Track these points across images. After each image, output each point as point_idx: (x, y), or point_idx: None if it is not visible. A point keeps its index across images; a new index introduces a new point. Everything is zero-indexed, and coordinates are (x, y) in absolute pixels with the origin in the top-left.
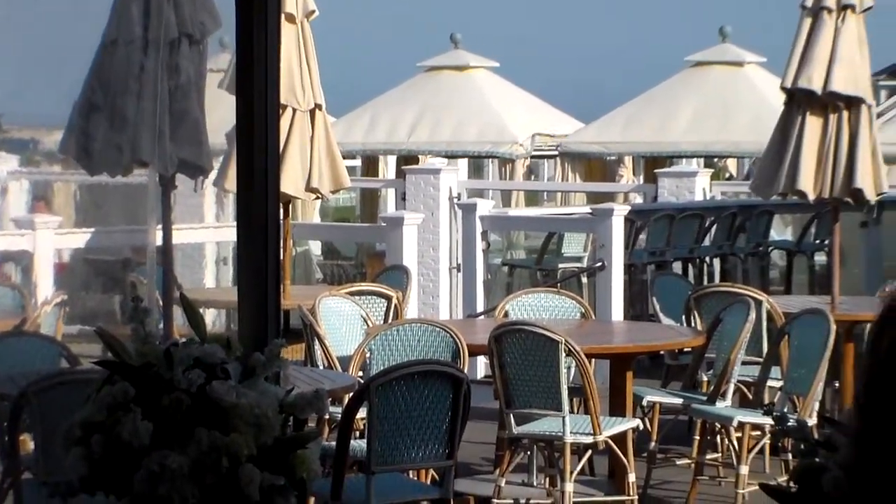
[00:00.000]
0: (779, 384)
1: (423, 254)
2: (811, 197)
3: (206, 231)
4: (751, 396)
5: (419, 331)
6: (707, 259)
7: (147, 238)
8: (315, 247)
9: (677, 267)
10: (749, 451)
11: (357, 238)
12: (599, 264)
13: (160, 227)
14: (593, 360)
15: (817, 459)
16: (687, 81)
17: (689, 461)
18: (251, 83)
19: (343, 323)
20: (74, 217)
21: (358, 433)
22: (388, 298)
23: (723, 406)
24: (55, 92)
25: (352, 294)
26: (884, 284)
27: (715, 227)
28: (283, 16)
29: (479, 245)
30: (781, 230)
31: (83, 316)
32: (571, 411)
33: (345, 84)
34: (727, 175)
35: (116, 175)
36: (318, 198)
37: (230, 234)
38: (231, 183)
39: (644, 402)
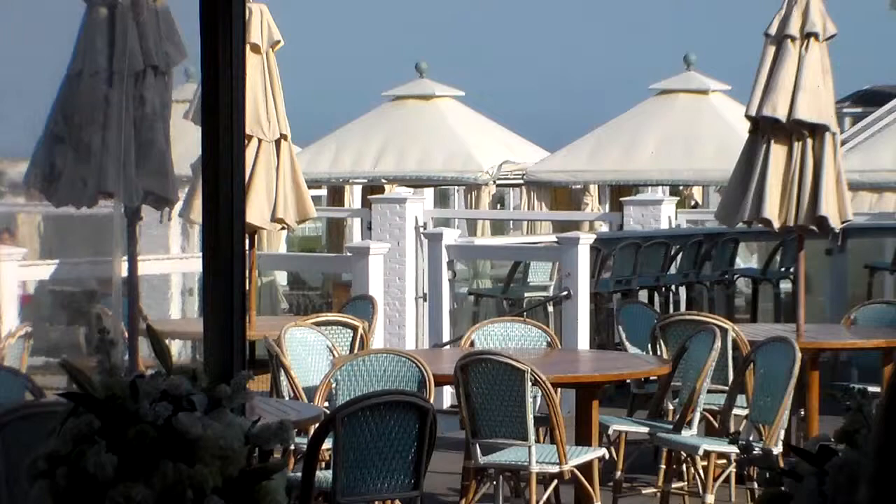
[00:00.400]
0: (744, 412)
1: (390, 283)
2: (776, 225)
3: (171, 262)
4: (717, 425)
5: (385, 361)
6: (673, 287)
7: (112, 269)
8: (281, 277)
9: (643, 295)
10: (715, 479)
11: (323, 268)
12: (565, 293)
13: (125, 258)
14: (559, 389)
15: (783, 488)
16: (652, 109)
17: (655, 490)
18: (217, 114)
19: (309, 353)
20: (39, 248)
21: (324, 464)
22: (354, 329)
23: (688, 435)
24: (19, 123)
25: (318, 324)
26: (848, 312)
27: (681, 255)
28: (248, 46)
29: (446, 274)
30: (747, 258)
31: (48, 348)
32: (537, 441)
33: (310, 113)
34: (693, 203)
35: (82, 206)
36: (283, 228)
37: (196, 265)
38: (197, 214)
39: (610, 431)
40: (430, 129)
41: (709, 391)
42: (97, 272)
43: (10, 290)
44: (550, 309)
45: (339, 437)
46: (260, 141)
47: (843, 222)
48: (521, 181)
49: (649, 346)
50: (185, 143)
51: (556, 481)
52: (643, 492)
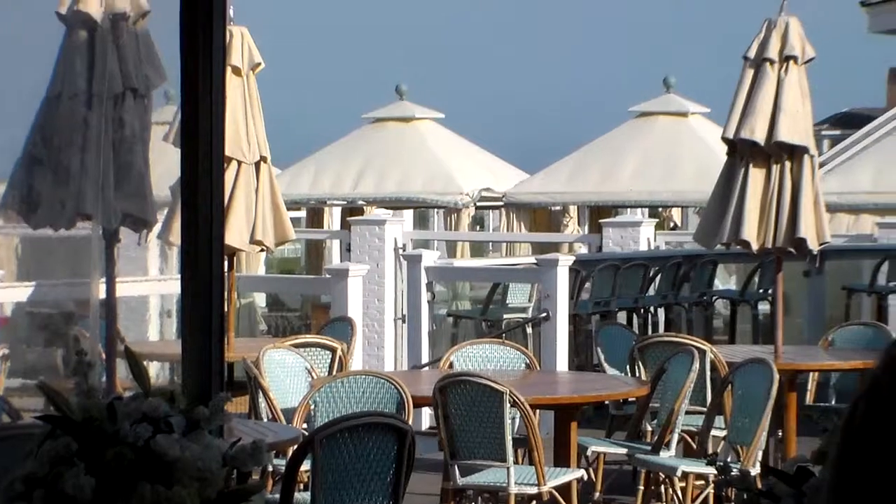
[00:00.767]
0: (722, 434)
1: (368, 305)
2: (755, 247)
3: (150, 284)
4: (695, 446)
5: (364, 382)
6: (651, 309)
7: (90, 291)
8: (260, 298)
9: (622, 317)
10: (693, 500)
11: (302, 290)
12: (544, 314)
13: (103, 280)
14: (538, 410)
15: None
16: (631, 131)
17: None
18: (196, 136)
19: (287, 375)
20: (17, 270)
21: (302, 485)
22: (333, 350)
23: (667, 456)
24: None
25: (296, 346)
26: (826, 333)
27: (659, 276)
28: (228, 68)
29: (425, 296)
30: (725, 280)
31: (25, 370)
32: (516, 462)
33: (290, 135)
34: (672, 225)
35: (60, 228)
36: (262, 250)
37: (174, 286)
38: (175, 236)
39: (588, 453)
40: (409, 152)
41: (687, 412)
42: (75, 294)
43: None
44: (529, 330)
45: (318, 458)
46: (240, 163)
47: (821, 244)
48: (501, 203)
49: (628, 367)
50: (165, 166)
51: (534, 502)
52: None
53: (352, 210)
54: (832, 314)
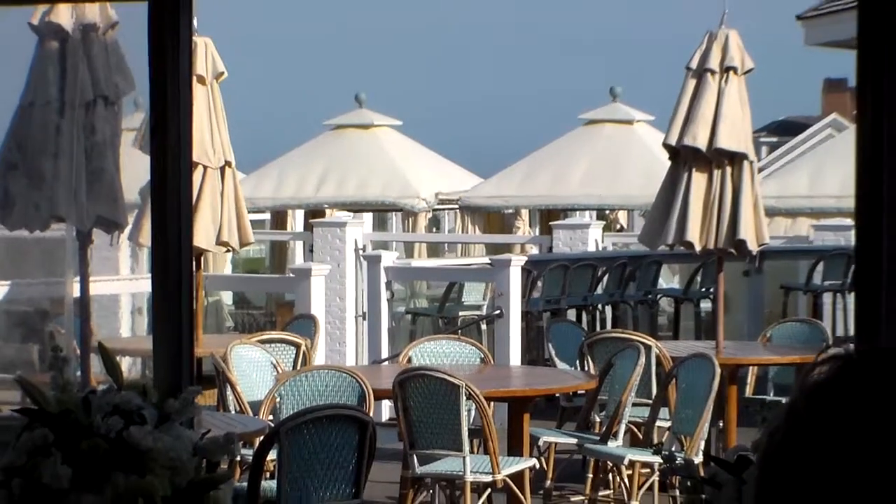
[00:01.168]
0: (667, 424)
1: (331, 303)
2: (697, 247)
3: (121, 283)
4: (641, 436)
5: (327, 377)
6: (599, 306)
7: (65, 290)
8: (227, 297)
9: (572, 314)
10: (639, 487)
11: (267, 288)
12: (498, 312)
13: (77, 279)
14: (492, 402)
15: (703, 496)
16: (580, 138)
17: (583, 498)
18: (165, 142)
19: (254, 369)
20: None
21: (268, 474)
22: (297, 346)
23: (614, 445)
24: None
25: (262, 342)
26: (765, 330)
27: (607, 276)
28: (193, 77)
29: (384, 294)
30: (669, 279)
31: (3, 364)
32: (471, 451)
33: (254, 141)
34: (618, 227)
35: (35, 230)
36: (228, 250)
37: (145, 285)
38: (146, 237)
39: (540, 443)
40: (368, 157)
41: (633, 404)
42: (50, 292)
43: None
44: (484, 327)
45: (284, 448)
46: (205, 168)
47: (759, 245)
48: (456, 206)
49: (577, 362)
50: (134, 170)
51: (489, 490)
52: (572, 500)
53: (314, 213)
54: (770, 311)
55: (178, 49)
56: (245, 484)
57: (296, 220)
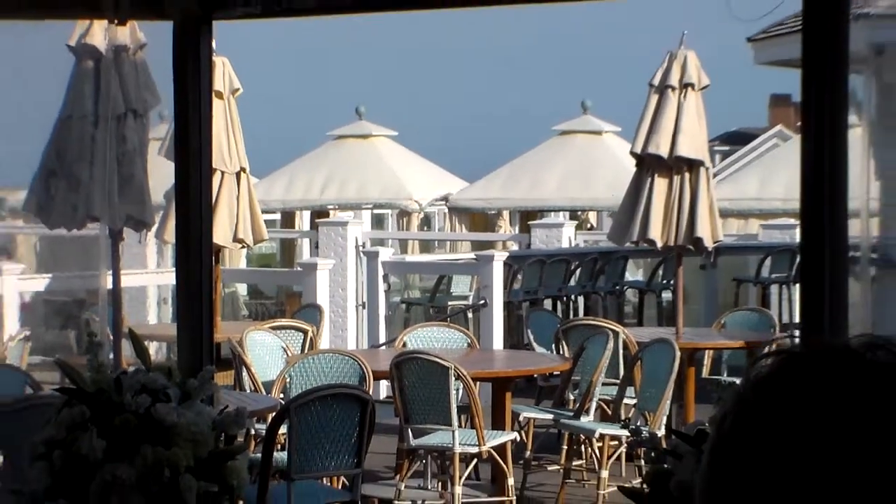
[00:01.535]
0: (633, 402)
1: (334, 294)
2: (659, 244)
3: (148, 276)
4: (610, 412)
5: (331, 359)
6: (573, 297)
7: (99, 282)
8: (242, 288)
9: (548, 304)
10: (608, 458)
11: (277, 281)
12: (482, 302)
13: (110, 272)
14: (478, 382)
15: (665, 465)
16: (555, 147)
17: (558, 467)
18: (187, 150)
19: (266, 353)
20: (35, 264)
21: (280, 446)
22: (305, 332)
23: (586, 421)
24: (19, 159)
25: (273, 328)
26: (719, 317)
27: (579, 269)
28: (213, 93)
29: (381, 286)
30: (634, 272)
31: (44, 349)
32: (460, 426)
33: (267, 150)
34: (589, 226)
35: (72, 229)
36: (243, 247)
37: (170, 278)
38: (170, 235)
39: (521, 418)
40: (367, 164)
41: (603, 384)
42: (86, 284)
43: (12, 299)
44: (470, 315)
45: (293, 423)
46: (223, 173)
47: (714, 242)
48: (445, 207)
49: (553, 346)
50: (160, 175)
51: (475, 460)
52: (548, 468)
53: (319, 213)
54: (724, 301)
55: (199, 68)
56: (259, 455)
57: (303, 220)
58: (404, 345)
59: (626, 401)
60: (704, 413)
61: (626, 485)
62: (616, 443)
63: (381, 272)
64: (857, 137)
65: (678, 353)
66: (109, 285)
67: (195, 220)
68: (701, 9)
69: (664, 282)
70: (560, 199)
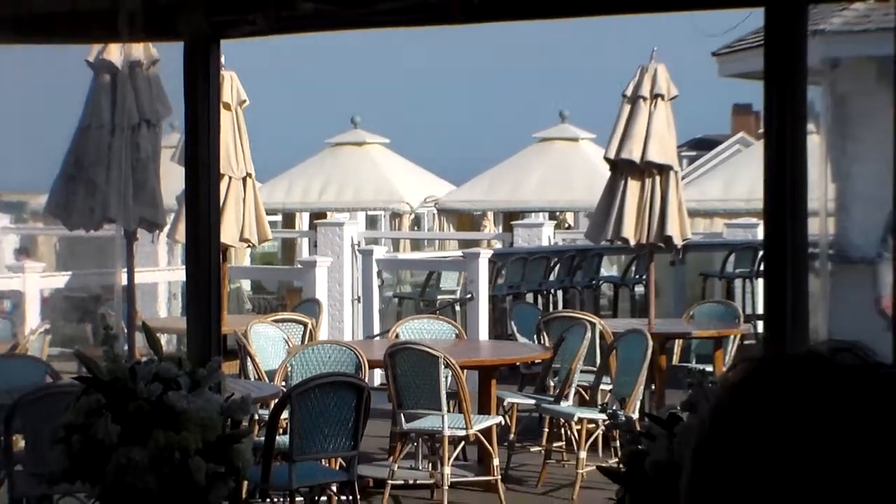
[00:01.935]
0: (609, 387)
1: (331, 289)
2: (632, 242)
3: (160, 273)
4: (587, 398)
5: (329, 350)
6: (552, 291)
7: (114, 279)
8: (246, 284)
9: (530, 297)
10: (587, 440)
11: (279, 277)
12: (469, 296)
13: (125, 270)
14: (465, 370)
15: (640, 446)
16: (535, 153)
17: (540, 448)
18: (196, 157)
19: (269, 344)
20: (55, 263)
21: (282, 430)
22: (305, 324)
23: (566, 405)
24: (41, 165)
25: (276, 321)
26: (688, 309)
27: (558, 266)
28: (221, 104)
29: (375, 282)
30: (609, 268)
31: (63, 341)
32: (449, 411)
33: (270, 157)
34: (567, 225)
35: (90, 230)
36: (249, 246)
37: (180, 275)
38: (181, 235)
39: (505, 403)
40: (362, 169)
41: (581, 371)
42: (102, 281)
43: (34, 295)
44: (458, 308)
45: (294, 409)
46: (230, 178)
47: (683, 240)
48: (434, 209)
49: (535, 336)
50: (172, 180)
51: (463, 442)
52: (531, 450)
53: (317, 214)
54: (692, 294)
55: (209, 81)
56: (262, 438)
57: (302, 221)
58: (397, 336)
59: (602, 387)
60: (675, 398)
61: (604, 464)
62: (593, 426)
63: (375, 269)
64: (815, 144)
65: (650, 343)
66: (124, 282)
67: (204, 221)
68: (670, 26)
69: (637, 277)
70: (540, 200)
